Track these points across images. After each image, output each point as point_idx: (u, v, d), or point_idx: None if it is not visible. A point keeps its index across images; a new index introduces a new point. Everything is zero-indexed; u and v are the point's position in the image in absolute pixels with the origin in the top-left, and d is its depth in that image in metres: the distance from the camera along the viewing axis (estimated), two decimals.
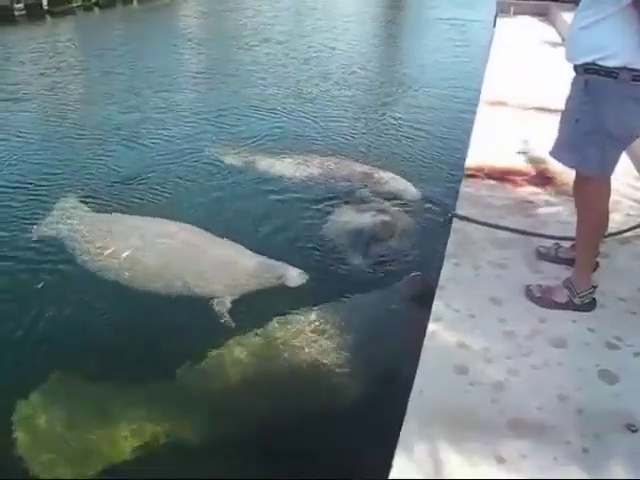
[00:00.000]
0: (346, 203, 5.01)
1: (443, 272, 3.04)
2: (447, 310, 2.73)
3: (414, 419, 2.16)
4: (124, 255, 4.22)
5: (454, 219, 3.57)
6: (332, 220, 4.74)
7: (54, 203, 5.26)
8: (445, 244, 3.35)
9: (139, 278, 4.07)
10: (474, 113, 5.17)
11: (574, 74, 2.59)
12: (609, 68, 2.39)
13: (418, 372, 2.38)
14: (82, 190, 5.53)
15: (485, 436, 2.07)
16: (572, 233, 3.18)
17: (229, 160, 6.12)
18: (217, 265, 4.15)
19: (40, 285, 4.16)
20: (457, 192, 4.00)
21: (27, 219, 4.98)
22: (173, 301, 3.98)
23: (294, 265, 4.16)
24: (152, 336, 3.71)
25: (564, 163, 2.68)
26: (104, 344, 3.66)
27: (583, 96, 2.49)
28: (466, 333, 2.59)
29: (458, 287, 2.91)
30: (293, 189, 5.43)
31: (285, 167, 5.71)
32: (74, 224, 4.78)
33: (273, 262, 4.20)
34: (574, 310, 2.72)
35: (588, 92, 2.47)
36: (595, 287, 2.73)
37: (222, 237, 4.45)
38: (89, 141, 6.79)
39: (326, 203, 5.08)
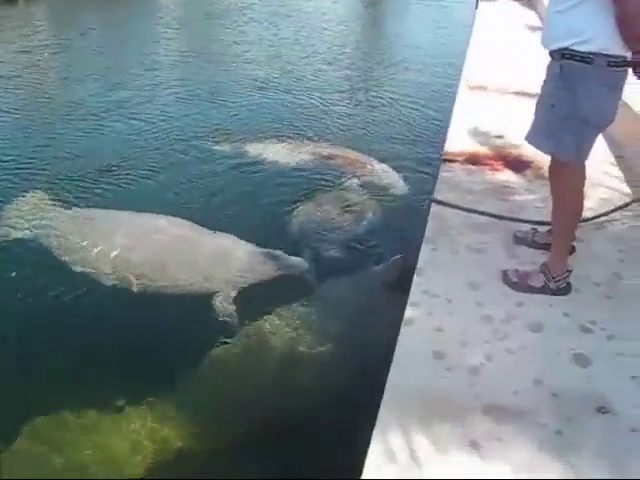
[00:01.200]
0: (326, 188, 4.99)
1: (421, 257, 3.05)
2: (424, 295, 2.74)
3: (390, 407, 2.17)
4: (109, 256, 3.94)
5: (432, 204, 3.58)
6: (312, 207, 4.71)
7: (22, 197, 4.78)
8: (424, 229, 3.36)
9: (128, 279, 3.82)
10: (454, 97, 5.16)
11: (549, 59, 2.59)
12: (584, 53, 2.39)
13: (395, 359, 2.39)
14: (56, 181, 5.17)
15: (460, 421, 2.09)
16: (549, 218, 3.22)
17: (216, 145, 5.98)
18: (213, 259, 3.98)
19: (17, 293, 3.83)
20: (436, 177, 4.00)
21: None
22: (168, 302, 3.78)
23: (289, 253, 4.08)
24: (148, 340, 3.54)
25: (540, 149, 2.69)
26: (94, 350, 3.45)
27: (558, 81, 2.49)
28: (443, 318, 2.60)
29: (436, 272, 2.92)
30: (277, 175, 5.35)
31: (267, 152, 5.64)
32: (48, 222, 4.39)
33: (271, 252, 4.08)
34: (550, 294, 2.75)
35: (563, 78, 2.47)
36: (570, 271, 2.76)
37: (213, 229, 4.27)
38: (64, 125, 6.50)
39: (307, 189, 5.03)
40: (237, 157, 5.76)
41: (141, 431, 3.00)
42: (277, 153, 5.58)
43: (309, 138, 5.95)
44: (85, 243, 4.10)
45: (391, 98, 7.30)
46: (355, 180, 5.02)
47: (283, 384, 3.23)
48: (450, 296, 2.74)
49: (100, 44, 10.17)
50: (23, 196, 4.82)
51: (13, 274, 3.98)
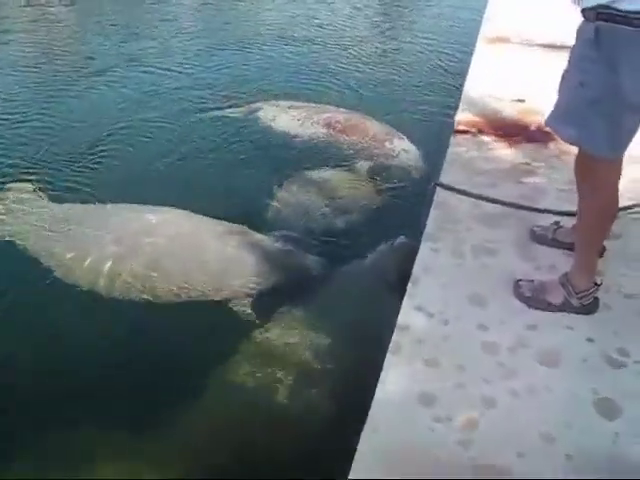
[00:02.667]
0: (338, 167, 4.27)
1: (418, 261, 2.56)
2: (417, 314, 2.27)
3: (363, 466, 1.76)
4: (105, 258, 3.32)
5: (437, 188, 3.06)
6: (317, 189, 4.08)
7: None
8: (425, 221, 2.85)
9: (128, 285, 3.22)
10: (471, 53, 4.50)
11: (581, 20, 2.00)
12: (629, 12, 1.80)
13: (374, 402, 1.96)
14: (38, 169, 4.41)
15: None
16: (576, 206, 2.70)
17: (224, 109, 5.24)
18: (226, 258, 3.37)
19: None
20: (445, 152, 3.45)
21: None
22: (176, 310, 3.21)
23: (306, 250, 3.49)
24: (154, 355, 2.96)
25: (563, 137, 2.13)
26: (93, 368, 2.89)
27: (591, 50, 1.91)
28: (437, 346, 2.14)
29: (434, 281, 2.44)
30: (287, 148, 4.62)
31: (280, 120, 4.81)
32: (31, 218, 3.73)
33: (289, 249, 3.48)
34: (571, 313, 2.26)
35: (599, 45, 1.89)
36: (599, 285, 2.24)
37: (223, 221, 3.62)
38: (58, 87, 5.75)
39: (317, 166, 4.28)
40: (246, 125, 5.03)
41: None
42: (291, 121, 4.82)
43: (327, 102, 5.19)
44: (73, 244, 3.46)
45: (400, 53, 6.45)
46: (370, 161, 4.30)
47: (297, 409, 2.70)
48: (448, 315, 2.27)
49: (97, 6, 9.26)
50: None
51: None
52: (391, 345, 2.14)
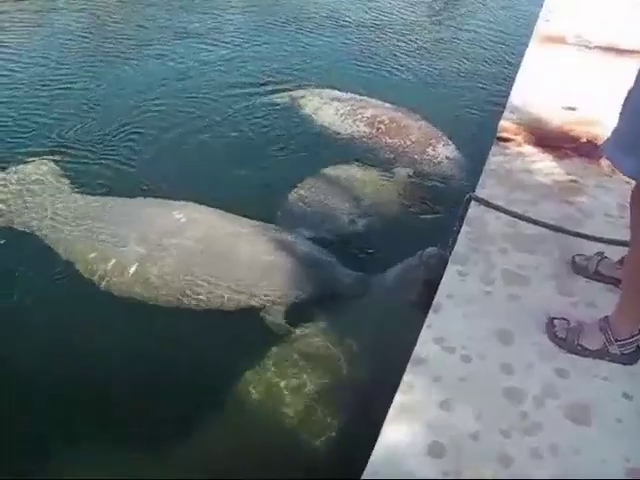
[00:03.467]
0: (376, 173, 3.95)
1: (443, 286, 2.35)
2: (436, 347, 2.07)
3: None
4: (129, 259, 3.12)
5: (472, 202, 2.82)
6: (346, 185, 3.84)
7: (12, 170, 3.81)
8: (454, 238, 2.63)
9: (153, 290, 3.02)
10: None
11: None
12: None
13: (377, 446, 1.78)
14: (62, 149, 4.15)
15: None
16: (626, 235, 2.43)
17: (264, 96, 4.97)
18: (256, 264, 3.12)
19: (12, 300, 3.02)
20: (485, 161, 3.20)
21: None
22: (201, 316, 3.00)
23: (334, 257, 3.24)
24: (176, 362, 2.80)
25: (623, 170, 1.84)
26: (113, 375, 2.72)
27: None
28: (454, 387, 1.94)
29: (458, 311, 2.22)
30: (326, 145, 4.35)
31: (322, 112, 4.58)
32: (52, 208, 3.50)
33: (319, 256, 3.22)
34: (609, 361, 2.02)
35: None
36: None
37: (253, 220, 3.41)
38: (78, 66, 5.45)
39: (354, 169, 4.01)
40: (287, 115, 4.74)
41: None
42: (333, 115, 4.52)
43: (373, 94, 4.86)
44: (99, 244, 3.25)
45: (447, 50, 5.99)
46: (409, 168, 3.96)
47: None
48: (470, 351, 2.06)
49: None
50: (13, 169, 3.87)
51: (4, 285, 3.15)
52: (402, 382, 1.95)
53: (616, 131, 1.82)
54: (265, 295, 3.05)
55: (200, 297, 3.02)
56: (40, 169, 3.90)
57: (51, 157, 4.07)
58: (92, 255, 3.19)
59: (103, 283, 3.09)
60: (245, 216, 3.44)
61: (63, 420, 2.57)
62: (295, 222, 3.52)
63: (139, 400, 2.63)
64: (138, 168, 4.10)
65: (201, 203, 3.50)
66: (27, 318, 2.99)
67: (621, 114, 1.80)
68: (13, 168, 3.89)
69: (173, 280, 3.05)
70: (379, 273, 3.20)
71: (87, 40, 6.12)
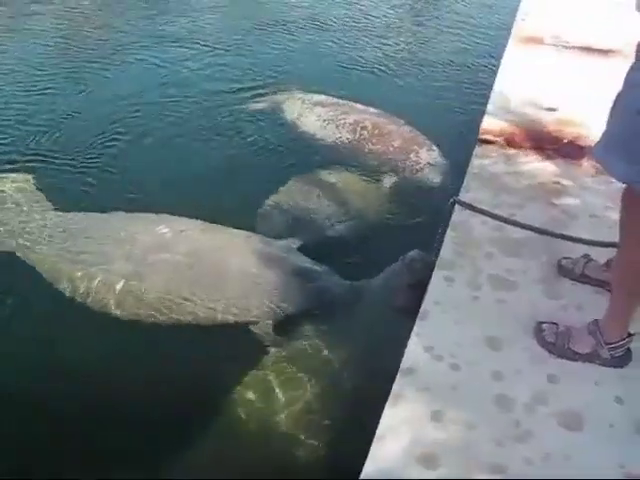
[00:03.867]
0: (364, 179, 3.94)
1: (430, 292, 2.32)
2: (424, 356, 2.04)
3: None
4: (115, 276, 3.02)
5: (457, 206, 2.80)
6: (330, 193, 3.78)
7: None
8: (439, 244, 2.60)
9: (141, 308, 2.93)
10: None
11: None
12: None
13: (369, 457, 1.74)
14: (31, 164, 3.98)
15: None
16: (610, 236, 2.43)
17: (247, 102, 4.88)
18: (246, 278, 3.05)
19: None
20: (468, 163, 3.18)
21: None
22: (194, 333, 2.92)
23: (322, 266, 3.17)
24: (169, 381, 2.70)
25: (614, 174, 1.80)
26: (102, 393, 2.62)
27: None
28: (443, 397, 1.90)
29: (446, 318, 2.19)
30: (311, 152, 4.27)
31: (306, 117, 4.51)
32: (31, 226, 3.37)
33: (307, 266, 3.15)
34: (599, 365, 2.01)
35: None
36: (632, 335, 1.98)
37: (239, 230, 3.34)
38: (39, 85, 5.10)
39: (339, 176, 3.95)
40: (268, 121, 4.67)
41: None
42: (316, 121, 4.44)
43: (357, 98, 4.79)
44: (83, 262, 3.13)
45: (427, 52, 5.95)
46: (392, 175, 3.89)
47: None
48: (458, 359, 2.03)
49: None
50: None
51: None
52: (392, 393, 1.91)
53: (606, 134, 1.79)
54: (256, 308, 2.98)
55: (190, 312, 2.94)
56: (14, 185, 3.74)
57: (25, 172, 3.92)
58: (76, 274, 3.07)
59: (89, 302, 2.98)
60: (229, 226, 3.37)
61: (53, 438, 2.48)
62: (279, 230, 3.47)
63: (129, 415, 2.55)
64: (117, 180, 3.99)
65: (184, 215, 3.41)
66: (11, 340, 2.88)
67: (611, 118, 1.78)
68: None
69: (162, 296, 2.95)
70: (365, 280, 3.16)
71: (64, 46, 5.97)
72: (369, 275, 3.12)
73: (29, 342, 2.87)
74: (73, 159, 4.17)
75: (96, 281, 3.02)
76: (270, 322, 2.95)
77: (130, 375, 2.74)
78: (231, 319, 2.95)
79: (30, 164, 4.06)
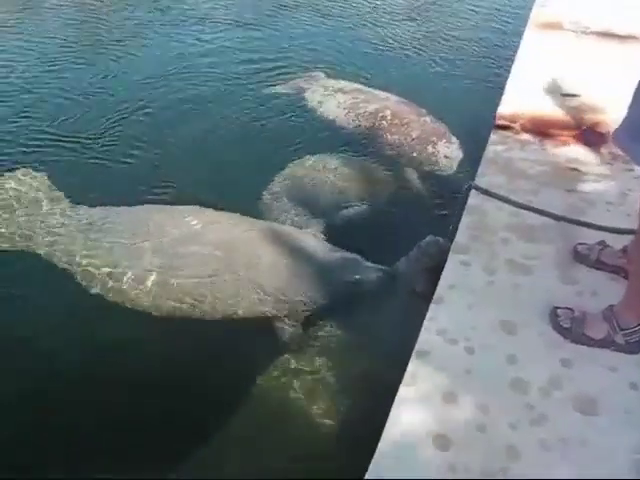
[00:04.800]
0: (366, 162, 3.97)
1: (445, 275, 2.32)
2: (438, 339, 2.04)
3: None
4: (145, 272, 2.95)
5: (472, 191, 2.79)
6: (346, 183, 3.75)
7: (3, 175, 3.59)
8: (455, 228, 2.60)
9: (174, 304, 2.89)
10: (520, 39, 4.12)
11: None
12: None
13: (381, 443, 1.75)
14: (43, 158, 3.89)
15: None
16: (628, 223, 2.43)
17: (268, 87, 4.82)
18: (281, 267, 2.99)
19: (27, 323, 2.85)
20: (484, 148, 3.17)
21: None
22: (229, 324, 2.87)
23: (363, 255, 3.11)
24: (207, 375, 2.66)
25: (635, 160, 1.79)
26: (138, 392, 2.58)
27: None
28: (458, 380, 1.91)
29: (461, 301, 2.20)
30: (331, 140, 4.24)
31: (328, 104, 4.49)
32: (51, 223, 3.27)
33: (348, 256, 3.10)
34: (614, 350, 2.00)
35: None
36: None
37: (268, 222, 3.33)
38: (65, 55, 5.18)
39: (350, 163, 3.93)
40: (291, 108, 4.61)
41: None
42: (337, 108, 4.42)
43: (379, 85, 4.72)
44: (111, 259, 3.04)
45: (443, 37, 5.89)
46: (408, 166, 3.89)
47: None
48: (473, 342, 2.03)
49: None
50: (7, 176, 3.61)
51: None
52: (406, 375, 1.92)
53: (627, 120, 1.77)
54: (290, 298, 2.94)
55: (225, 304, 2.89)
56: (27, 180, 3.60)
57: (37, 165, 3.80)
58: (105, 270, 2.99)
59: (122, 298, 2.92)
60: (252, 216, 3.34)
61: (77, 434, 2.46)
62: (297, 219, 3.47)
63: (164, 404, 2.55)
64: (134, 172, 3.93)
65: (208, 205, 3.36)
66: (43, 343, 2.78)
67: (633, 102, 1.76)
68: None
69: (195, 289, 2.91)
70: (385, 265, 3.14)
71: (75, 33, 5.94)
72: (387, 261, 3.13)
73: (61, 341, 2.80)
74: (84, 152, 4.08)
75: (126, 277, 2.95)
76: (302, 312, 2.93)
77: (165, 371, 2.70)
78: (268, 309, 2.92)
79: (46, 157, 3.98)
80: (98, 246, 3.10)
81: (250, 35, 5.91)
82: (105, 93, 4.78)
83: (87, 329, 2.88)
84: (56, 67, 5.15)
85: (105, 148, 4.12)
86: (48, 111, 4.49)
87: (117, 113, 4.47)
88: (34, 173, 3.67)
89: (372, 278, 3.00)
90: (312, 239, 3.24)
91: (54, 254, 3.13)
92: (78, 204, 3.45)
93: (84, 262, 3.04)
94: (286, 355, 2.72)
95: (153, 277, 2.95)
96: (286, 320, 2.92)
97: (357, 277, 3.01)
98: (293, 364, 2.66)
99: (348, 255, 3.11)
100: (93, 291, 2.96)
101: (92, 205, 3.42)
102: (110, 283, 2.96)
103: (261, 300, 2.93)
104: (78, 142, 4.15)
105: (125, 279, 2.96)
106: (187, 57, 5.40)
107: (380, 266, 3.06)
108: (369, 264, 3.07)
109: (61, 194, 3.53)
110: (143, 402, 2.57)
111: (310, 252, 3.10)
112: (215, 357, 2.77)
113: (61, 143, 4.14)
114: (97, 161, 3.99)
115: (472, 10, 6.73)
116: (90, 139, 4.19)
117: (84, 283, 2.99)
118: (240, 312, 2.91)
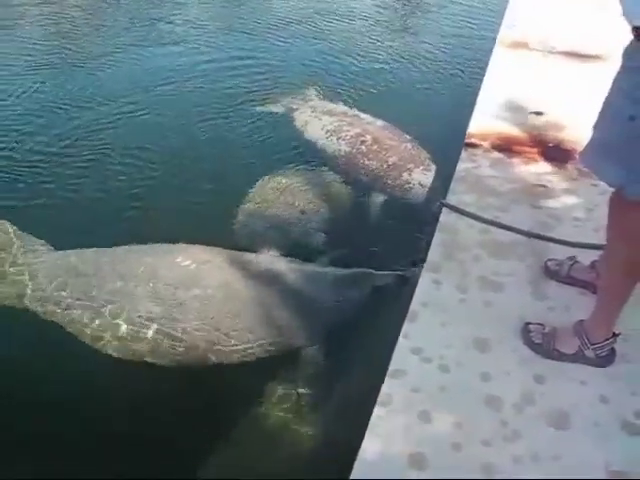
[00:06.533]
0: (342, 188, 3.95)
1: (417, 294, 2.34)
2: (412, 358, 2.05)
3: None
4: (143, 320, 2.76)
5: (444, 209, 2.83)
6: (318, 210, 3.73)
7: None
8: (427, 246, 2.63)
9: (178, 350, 2.72)
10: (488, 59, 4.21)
11: (630, 39, 1.70)
12: None
13: (358, 459, 1.75)
14: (19, 200, 3.67)
15: None
16: (595, 238, 2.48)
17: (257, 107, 4.80)
18: (287, 304, 2.90)
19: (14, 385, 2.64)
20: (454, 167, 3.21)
21: None
22: (238, 368, 2.75)
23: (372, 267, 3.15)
24: (217, 422, 2.54)
25: (605, 179, 1.82)
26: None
27: None
28: (433, 398, 1.92)
29: (433, 319, 2.21)
30: (307, 163, 4.22)
31: (314, 125, 4.49)
32: (24, 275, 3.03)
33: (331, 279, 3.07)
34: (584, 364, 2.04)
35: None
36: (617, 335, 2.01)
37: (262, 255, 3.24)
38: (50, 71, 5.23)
39: (324, 190, 3.90)
40: (278, 129, 4.58)
41: None
42: (320, 131, 4.39)
43: (365, 110, 4.64)
44: (102, 308, 2.83)
45: (413, 58, 5.82)
46: (382, 194, 3.90)
47: None
48: (447, 360, 2.05)
49: None
50: None
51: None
52: (381, 395, 1.92)
53: (595, 141, 1.80)
54: (299, 334, 2.87)
55: (232, 348, 2.76)
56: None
57: (12, 212, 3.49)
58: (97, 322, 2.78)
59: (116, 354, 2.72)
60: (243, 250, 3.25)
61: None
62: (272, 244, 3.43)
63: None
64: (119, 210, 3.72)
65: (197, 242, 3.20)
66: (36, 404, 2.57)
67: (598, 124, 1.79)
68: None
69: (200, 335, 2.75)
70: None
71: (51, 48, 5.89)
72: (363, 281, 3.13)
73: (56, 406, 2.57)
74: (61, 192, 3.84)
75: (123, 328, 2.76)
76: (316, 343, 2.88)
77: (176, 413, 2.58)
78: (277, 348, 2.84)
79: (16, 202, 3.70)
80: (85, 294, 2.89)
81: (242, 54, 5.87)
82: (81, 116, 4.67)
83: (80, 390, 2.66)
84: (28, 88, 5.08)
85: (79, 192, 3.86)
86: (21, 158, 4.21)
87: (91, 152, 4.27)
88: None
89: (355, 299, 3.04)
90: (301, 269, 3.16)
91: (32, 309, 2.89)
92: (57, 250, 3.22)
93: (73, 315, 2.83)
94: (271, 383, 2.69)
95: (154, 326, 2.77)
96: (300, 354, 2.84)
97: (340, 299, 3.03)
98: (280, 391, 2.66)
99: (331, 278, 3.10)
100: (85, 347, 2.75)
101: (72, 249, 3.19)
102: (105, 337, 2.76)
103: (271, 336, 2.84)
104: (47, 190, 3.85)
105: (122, 330, 2.77)
106: (172, 75, 5.33)
107: (360, 287, 3.08)
108: (351, 287, 3.08)
109: (37, 242, 3.27)
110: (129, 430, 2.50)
111: (305, 282, 3.05)
112: (224, 406, 2.64)
113: (28, 191, 3.85)
114: (73, 205, 3.76)
115: (441, 30, 6.84)
116: (62, 185, 3.92)
117: (75, 339, 2.78)
118: (251, 351, 2.79)
